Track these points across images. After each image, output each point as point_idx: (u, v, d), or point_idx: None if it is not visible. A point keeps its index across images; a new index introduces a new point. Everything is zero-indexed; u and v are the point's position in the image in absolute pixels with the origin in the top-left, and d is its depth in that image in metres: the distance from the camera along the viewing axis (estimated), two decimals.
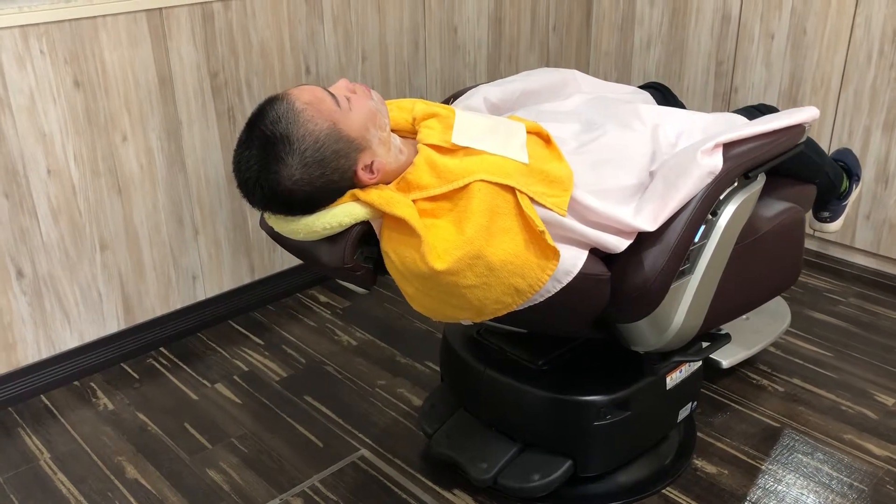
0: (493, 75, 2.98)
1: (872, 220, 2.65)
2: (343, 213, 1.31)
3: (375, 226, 1.36)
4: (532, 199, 1.35)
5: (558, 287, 1.37)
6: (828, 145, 2.68)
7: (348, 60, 2.55)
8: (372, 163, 1.36)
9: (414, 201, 1.36)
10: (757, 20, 2.76)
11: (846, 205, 2.25)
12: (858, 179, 2.25)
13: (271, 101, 1.31)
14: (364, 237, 1.38)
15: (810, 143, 1.96)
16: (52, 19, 1.95)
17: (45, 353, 2.19)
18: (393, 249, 1.33)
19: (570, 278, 1.37)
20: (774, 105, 2.65)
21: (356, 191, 1.34)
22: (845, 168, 2.23)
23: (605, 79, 3.25)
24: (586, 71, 3.31)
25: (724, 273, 1.63)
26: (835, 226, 2.26)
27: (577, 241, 1.42)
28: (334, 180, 1.32)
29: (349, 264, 1.32)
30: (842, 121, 2.64)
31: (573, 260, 1.38)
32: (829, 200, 2.20)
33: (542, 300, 1.38)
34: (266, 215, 1.40)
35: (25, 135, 1.99)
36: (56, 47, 1.99)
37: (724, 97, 2.93)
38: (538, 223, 1.32)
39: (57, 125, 2.04)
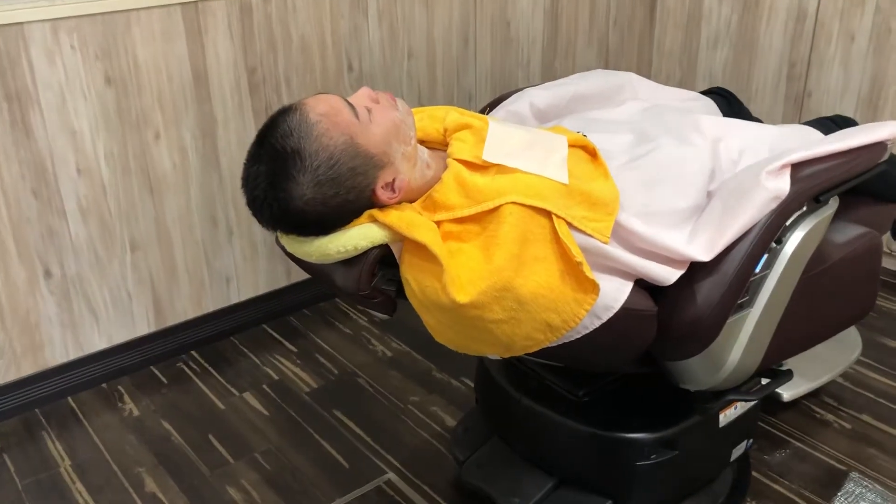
0: (548, 73, 2.82)
1: None
2: (359, 236, 1.19)
3: (395, 249, 1.23)
4: (570, 225, 1.22)
5: (597, 324, 1.23)
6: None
7: (393, 58, 2.43)
8: (393, 181, 1.24)
9: (439, 223, 1.23)
10: (836, 18, 2.54)
11: None
12: None
13: (283, 113, 1.19)
14: (386, 258, 1.27)
15: (891, 159, 1.77)
16: (82, 13, 1.88)
17: (73, 355, 2.14)
18: (413, 277, 1.20)
19: (610, 314, 1.23)
20: (852, 117, 2.44)
21: (374, 211, 1.22)
22: None
23: (668, 80, 3.06)
24: (648, 71, 3.12)
25: (787, 306, 1.46)
26: None
27: (620, 272, 1.27)
28: (350, 200, 1.20)
29: (365, 291, 1.21)
30: None
31: (615, 293, 1.24)
32: None
33: (578, 337, 1.24)
34: (279, 234, 1.29)
35: (55, 132, 1.93)
36: (87, 42, 1.92)
37: (797, 102, 2.72)
38: (576, 253, 1.18)
39: (87, 122, 1.97)
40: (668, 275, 1.29)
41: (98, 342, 2.17)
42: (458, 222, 1.22)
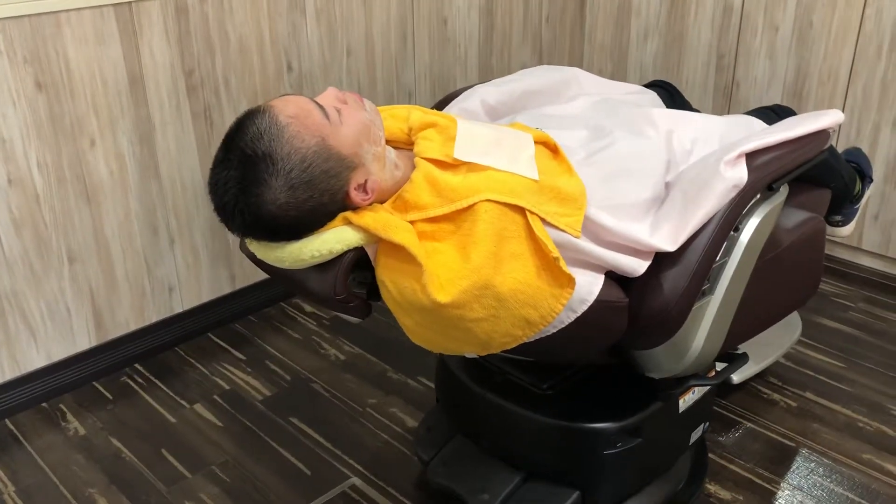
0: (485, 69, 2.84)
1: (881, 221, 2.54)
2: (334, 240, 1.17)
3: (370, 251, 1.22)
4: (544, 220, 1.22)
5: (573, 317, 1.24)
6: (835, 143, 2.57)
7: (332, 56, 2.40)
8: (366, 182, 1.22)
9: (412, 223, 1.22)
10: (760, 11, 2.63)
11: (858, 208, 2.14)
12: (871, 181, 2.14)
13: (251, 115, 1.16)
14: (357, 261, 1.25)
15: (830, 147, 1.84)
16: (8, 14, 1.79)
17: (10, 375, 2.04)
18: (390, 279, 1.19)
19: (585, 307, 1.24)
20: (783, 104, 2.53)
21: (348, 213, 1.20)
22: (858, 169, 2.12)
23: (600, 73, 3.11)
24: (580, 65, 3.17)
25: (745, 291, 1.50)
26: (847, 230, 2.15)
27: (591, 265, 1.29)
28: (324, 203, 1.18)
29: (341, 295, 1.18)
30: (850, 117, 2.53)
31: (589, 286, 1.25)
32: (842, 204, 2.08)
33: (554, 331, 1.25)
34: (247, 241, 1.25)
35: None
36: (14, 45, 1.82)
37: (726, 92, 2.80)
38: (552, 249, 1.18)
39: (18, 130, 1.88)
40: (637, 266, 1.31)
41: (36, 359, 2.07)
42: (432, 222, 1.21)
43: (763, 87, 2.70)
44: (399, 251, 1.16)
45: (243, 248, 1.30)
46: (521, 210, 1.20)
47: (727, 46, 2.75)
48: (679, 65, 2.89)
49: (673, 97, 1.98)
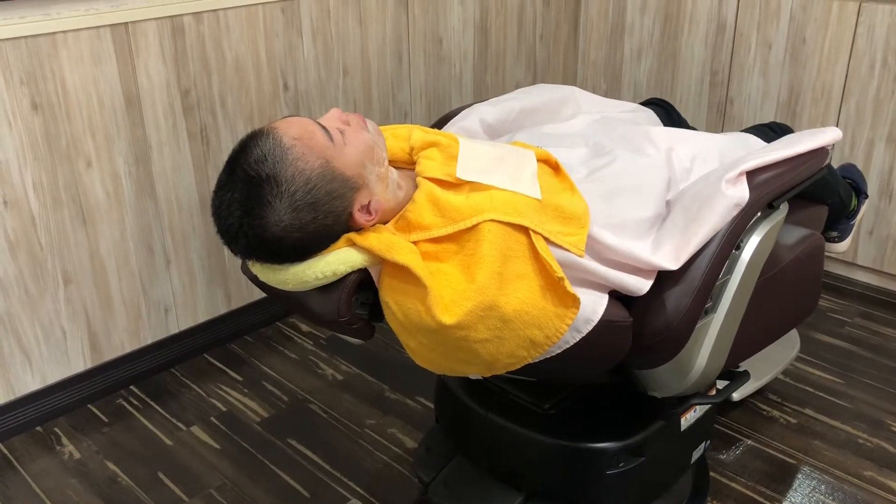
0: (480, 87, 2.84)
1: (876, 237, 2.55)
2: (338, 261, 1.16)
3: (373, 273, 1.21)
4: (547, 240, 1.22)
5: (578, 337, 1.23)
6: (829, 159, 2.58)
7: (328, 75, 2.40)
8: (369, 203, 1.21)
9: (415, 243, 1.21)
10: (753, 28, 2.65)
11: (854, 223, 2.15)
12: (866, 196, 2.15)
13: (255, 137, 1.15)
14: (360, 282, 1.24)
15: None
16: (5, 36, 1.78)
17: (4, 398, 2.01)
18: (394, 300, 1.18)
19: (590, 327, 1.23)
20: (779, 121, 2.54)
21: (352, 235, 1.19)
22: (853, 185, 2.13)
23: (594, 91, 3.12)
24: (573, 83, 3.18)
25: (746, 309, 1.50)
26: (843, 245, 2.16)
27: (595, 284, 1.28)
28: (328, 224, 1.17)
29: (345, 317, 1.17)
30: (844, 134, 2.54)
31: (593, 306, 1.25)
32: (838, 220, 2.10)
33: (559, 352, 1.24)
34: (250, 263, 1.24)
35: None
36: (10, 67, 1.81)
37: (720, 109, 2.82)
38: (556, 269, 1.18)
39: (13, 152, 1.86)
40: (641, 285, 1.31)
41: (31, 383, 2.05)
42: (435, 242, 1.20)
43: (756, 104, 2.72)
44: (403, 272, 1.16)
45: (245, 271, 1.29)
46: (524, 230, 1.20)
47: (720, 63, 2.76)
48: (673, 82, 2.91)
49: (670, 115, 1.99)
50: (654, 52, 2.92)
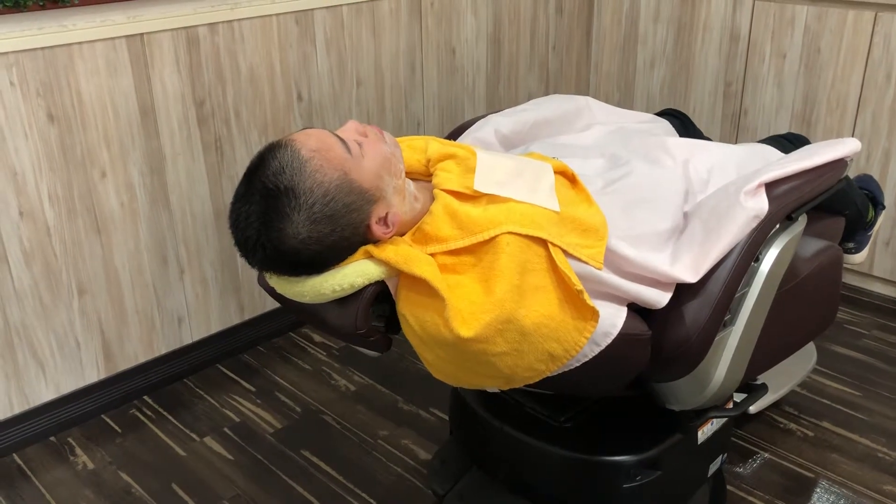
0: (493, 98, 2.84)
1: (892, 248, 2.53)
2: (355, 274, 1.16)
3: (390, 285, 1.20)
4: (566, 252, 1.21)
5: (597, 351, 1.22)
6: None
7: (342, 86, 2.40)
8: (387, 215, 1.21)
9: (432, 255, 1.20)
10: (768, 38, 2.64)
11: (871, 234, 2.14)
12: (883, 207, 2.14)
13: (273, 149, 1.15)
14: (377, 294, 1.23)
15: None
16: (22, 47, 1.79)
17: (18, 409, 2.01)
18: (411, 312, 1.17)
19: (609, 340, 1.22)
20: (795, 132, 2.53)
21: (370, 247, 1.19)
22: (870, 196, 2.11)
23: (607, 101, 3.12)
24: (586, 92, 3.18)
25: (765, 321, 1.49)
26: (860, 257, 2.15)
27: (614, 297, 1.27)
28: (345, 237, 1.17)
29: (363, 329, 1.17)
30: None
31: (612, 319, 1.24)
32: (855, 231, 2.08)
33: (578, 365, 1.23)
34: (267, 275, 1.24)
35: None
36: (27, 78, 1.82)
37: (733, 119, 2.80)
38: (575, 281, 1.17)
39: (29, 162, 1.87)
40: (660, 297, 1.30)
41: (45, 393, 2.05)
42: (453, 254, 1.20)
43: (771, 115, 2.70)
44: (420, 285, 1.15)
45: (262, 283, 1.29)
46: (543, 242, 1.19)
47: (734, 74, 2.75)
48: (686, 92, 2.90)
49: (685, 126, 1.98)
50: (668, 62, 2.91)
